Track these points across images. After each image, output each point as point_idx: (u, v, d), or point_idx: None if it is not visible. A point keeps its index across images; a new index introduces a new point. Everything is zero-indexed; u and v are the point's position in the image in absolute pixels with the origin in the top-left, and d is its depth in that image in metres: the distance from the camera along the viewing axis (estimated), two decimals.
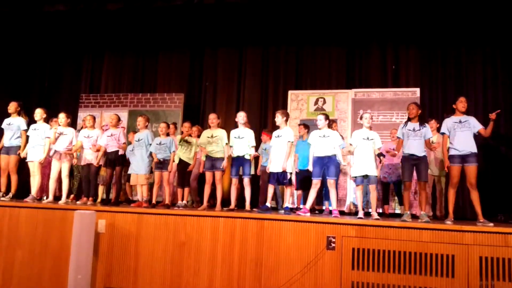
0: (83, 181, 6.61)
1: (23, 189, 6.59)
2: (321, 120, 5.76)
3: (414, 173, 5.31)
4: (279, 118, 6.00)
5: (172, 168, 6.38)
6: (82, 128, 7.12)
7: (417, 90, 7.55)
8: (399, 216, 6.27)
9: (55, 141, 6.30)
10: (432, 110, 7.74)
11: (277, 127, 6.07)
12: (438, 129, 6.37)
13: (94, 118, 6.80)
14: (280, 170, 5.81)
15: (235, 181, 6.04)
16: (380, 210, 6.70)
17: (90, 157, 6.47)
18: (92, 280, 5.06)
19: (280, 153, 5.86)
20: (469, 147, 5.09)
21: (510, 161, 6.68)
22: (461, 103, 5.28)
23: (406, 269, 4.44)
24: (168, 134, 6.54)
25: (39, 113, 6.57)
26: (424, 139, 5.26)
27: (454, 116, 5.30)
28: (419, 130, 5.26)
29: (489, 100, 7.68)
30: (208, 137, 6.07)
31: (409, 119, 5.41)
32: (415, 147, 5.22)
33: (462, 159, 5.11)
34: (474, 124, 5.19)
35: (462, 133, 5.15)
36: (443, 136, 5.33)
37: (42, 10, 7.99)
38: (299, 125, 7.13)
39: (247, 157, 6.01)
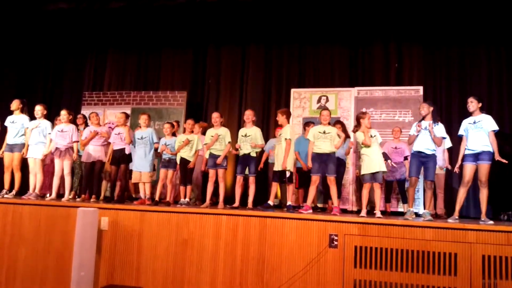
0: (85, 179, 6.61)
1: (26, 187, 6.61)
2: (327, 116, 5.75)
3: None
4: (281, 117, 6.02)
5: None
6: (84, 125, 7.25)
7: (420, 88, 7.52)
8: (401, 214, 6.26)
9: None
10: (435, 109, 7.69)
11: (280, 126, 6.12)
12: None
13: (97, 115, 6.95)
14: (281, 169, 5.86)
15: (239, 178, 6.05)
16: (382, 208, 6.70)
17: (95, 154, 6.48)
18: (95, 277, 5.08)
19: (281, 151, 5.89)
20: (482, 145, 5.09)
21: None
22: (467, 104, 5.31)
23: (408, 267, 4.43)
24: (174, 134, 6.56)
25: (39, 110, 6.58)
26: (436, 135, 5.25)
27: (470, 116, 5.30)
28: (431, 128, 5.27)
29: (494, 99, 7.65)
30: (212, 136, 6.08)
31: (423, 118, 5.42)
32: (424, 144, 5.24)
33: (475, 157, 5.11)
34: (487, 124, 5.15)
35: (475, 133, 5.15)
36: (462, 138, 5.32)
37: (45, 9, 8.01)
38: (307, 123, 7.07)
39: (253, 155, 6.01)
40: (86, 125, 7.17)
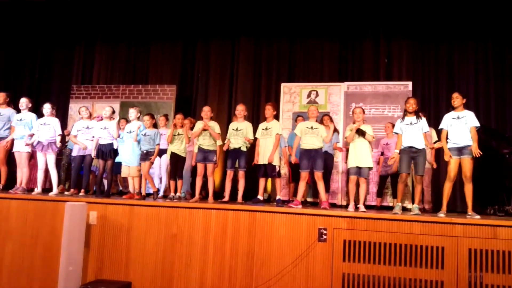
0: (75, 172, 6.54)
1: (13, 181, 6.53)
2: (314, 111, 5.76)
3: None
4: (269, 111, 6.01)
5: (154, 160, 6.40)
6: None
7: (410, 83, 7.57)
8: (392, 208, 6.30)
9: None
10: (424, 104, 7.76)
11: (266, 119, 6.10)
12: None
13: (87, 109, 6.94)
14: (267, 162, 5.86)
15: (230, 173, 6.03)
16: (374, 203, 6.76)
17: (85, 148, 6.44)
18: (83, 272, 5.04)
19: (268, 145, 5.88)
20: (465, 140, 5.13)
21: (500, 155, 6.73)
22: (452, 100, 5.34)
23: (396, 261, 4.48)
24: (155, 126, 6.49)
25: (24, 103, 6.47)
26: (422, 131, 5.28)
27: (453, 111, 5.34)
28: (416, 123, 5.29)
29: (481, 93, 7.74)
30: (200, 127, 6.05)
31: (405, 114, 5.43)
32: (413, 139, 5.25)
33: (459, 152, 5.16)
34: (469, 120, 5.21)
35: (458, 127, 5.19)
36: (442, 131, 5.36)
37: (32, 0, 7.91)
38: (298, 116, 7.08)
39: (243, 149, 6.00)
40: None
